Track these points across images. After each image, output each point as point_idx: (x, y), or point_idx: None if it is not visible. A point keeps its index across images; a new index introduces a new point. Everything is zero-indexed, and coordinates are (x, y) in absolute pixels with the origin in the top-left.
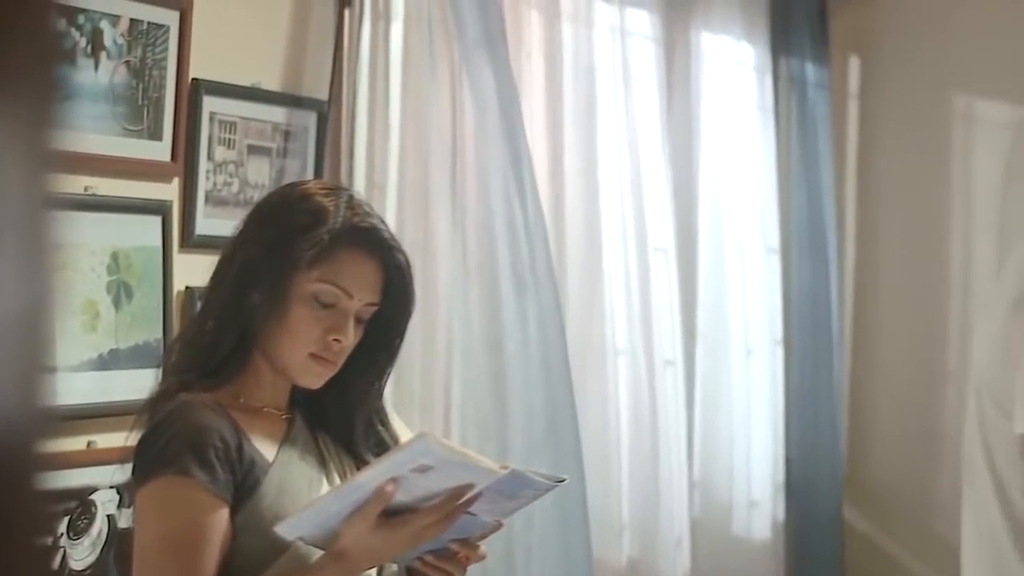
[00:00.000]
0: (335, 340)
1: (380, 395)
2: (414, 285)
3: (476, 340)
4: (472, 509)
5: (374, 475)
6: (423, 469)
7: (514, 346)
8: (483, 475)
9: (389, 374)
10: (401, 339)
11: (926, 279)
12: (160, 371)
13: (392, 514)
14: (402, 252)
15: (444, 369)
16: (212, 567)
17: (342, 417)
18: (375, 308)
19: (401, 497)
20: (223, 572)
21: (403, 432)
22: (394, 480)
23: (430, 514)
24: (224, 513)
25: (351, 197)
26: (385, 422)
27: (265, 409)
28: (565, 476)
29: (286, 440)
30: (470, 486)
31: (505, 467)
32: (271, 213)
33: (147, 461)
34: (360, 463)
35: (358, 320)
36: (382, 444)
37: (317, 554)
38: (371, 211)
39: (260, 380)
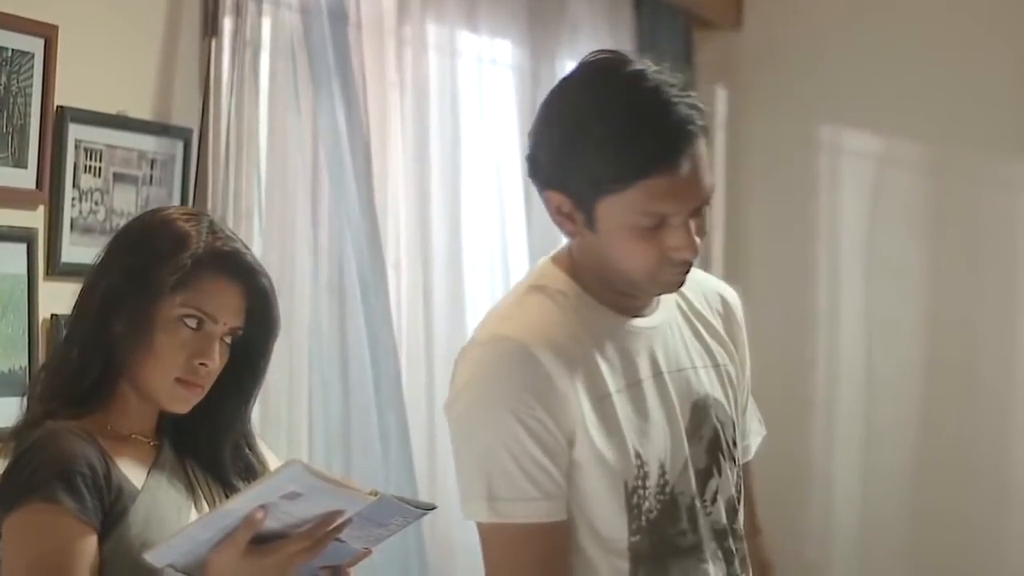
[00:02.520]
0: (201, 364)
1: (247, 419)
2: (278, 308)
3: (328, 364)
4: (342, 536)
5: (243, 502)
6: (292, 496)
7: (359, 370)
8: (352, 501)
9: (256, 397)
10: (266, 362)
11: (793, 307)
12: (24, 400)
13: (262, 541)
14: (266, 276)
15: (307, 391)
16: None
17: (209, 442)
18: (240, 332)
19: (271, 524)
20: None
21: (270, 456)
22: (263, 507)
23: (300, 541)
24: (92, 540)
25: (212, 222)
26: (252, 446)
27: (132, 436)
28: (434, 504)
29: (154, 467)
30: (340, 512)
31: (375, 493)
32: (132, 240)
33: (14, 489)
34: (228, 489)
35: (223, 343)
36: (250, 469)
37: None
38: (233, 236)
39: (127, 407)
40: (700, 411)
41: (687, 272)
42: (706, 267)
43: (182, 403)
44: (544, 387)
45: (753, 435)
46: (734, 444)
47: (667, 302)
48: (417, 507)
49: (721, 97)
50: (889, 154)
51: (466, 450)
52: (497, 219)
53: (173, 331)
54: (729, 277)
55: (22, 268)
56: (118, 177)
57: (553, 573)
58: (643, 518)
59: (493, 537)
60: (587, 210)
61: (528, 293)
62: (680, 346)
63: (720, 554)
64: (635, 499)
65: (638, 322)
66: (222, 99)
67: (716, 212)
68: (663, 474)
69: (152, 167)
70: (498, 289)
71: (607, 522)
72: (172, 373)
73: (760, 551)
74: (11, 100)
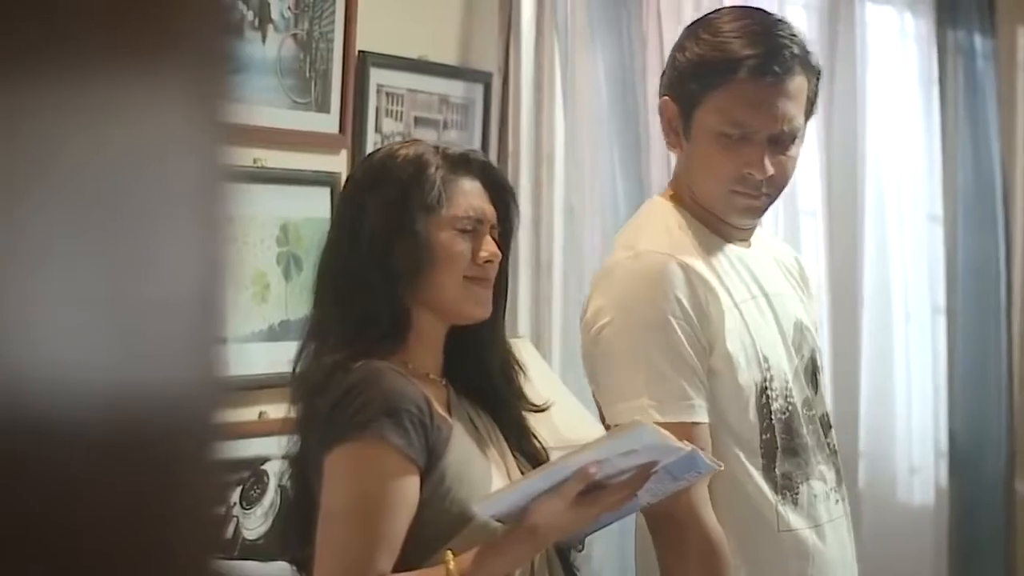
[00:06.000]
0: (487, 262)
1: (503, 315)
2: (517, 199)
3: None
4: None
5: (584, 458)
6: (628, 453)
7: None
8: (669, 452)
9: (507, 290)
10: (507, 257)
11: None
12: (306, 345)
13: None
14: (498, 168)
15: None
16: (400, 535)
17: (477, 356)
18: (497, 229)
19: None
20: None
21: (530, 358)
22: (598, 462)
23: (620, 490)
24: (416, 481)
25: (423, 141)
26: (511, 351)
27: (430, 375)
28: (721, 463)
29: (451, 406)
30: (655, 463)
31: (686, 444)
32: (371, 185)
33: (339, 426)
34: (494, 413)
35: (493, 238)
36: (506, 368)
37: (499, 527)
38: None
39: (424, 342)
40: (799, 332)
41: (760, 200)
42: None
43: (478, 305)
44: (693, 295)
45: None
46: (821, 370)
47: (758, 241)
48: (712, 462)
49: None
50: None
51: (621, 358)
52: None
53: (449, 243)
54: None
55: (325, 212)
56: (419, 121)
57: None
58: (773, 417)
59: None
60: (687, 117)
61: (651, 219)
62: (775, 276)
63: (828, 460)
64: (764, 399)
65: (737, 247)
66: (522, 41)
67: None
68: (786, 381)
69: (453, 111)
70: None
71: (741, 422)
72: (460, 275)
73: None
74: (314, 46)
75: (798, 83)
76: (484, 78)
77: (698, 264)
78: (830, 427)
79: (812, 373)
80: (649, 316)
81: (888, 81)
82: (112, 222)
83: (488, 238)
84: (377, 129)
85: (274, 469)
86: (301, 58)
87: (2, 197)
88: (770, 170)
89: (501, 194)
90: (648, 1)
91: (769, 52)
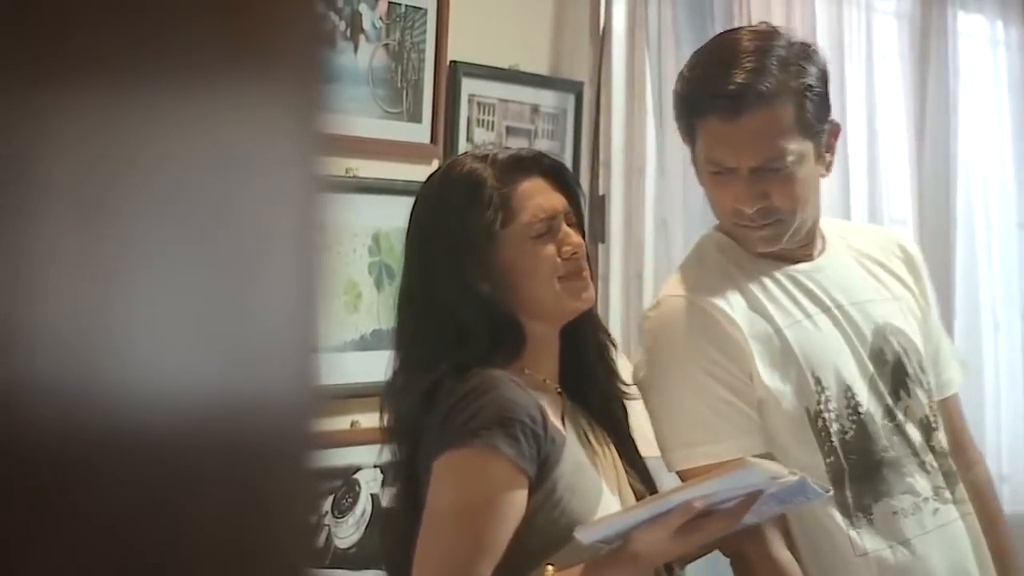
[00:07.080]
0: (573, 255)
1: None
2: (575, 177)
3: None
4: None
5: (689, 494)
6: (736, 488)
7: None
8: (776, 482)
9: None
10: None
11: None
12: (398, 375)
13: None
14: (548, 155)
15: None
16: (503, 545)
17: (577, 345)
18: (572, 215)
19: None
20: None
21: (622, 370)
22: (704, 496)
23: (723, 519)
24: (523, 493)
25: (469, 152)
26: (606, 331)
27: (546, 381)
28: (830, 488)
29: (566, 416)
30: (761, 491)
31: (794, 473)
32: (433, 219)
33: (451, 432)
34: (599, 406)
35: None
36: (606, 357)
37: (601, 547)
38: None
39: (540, 350)
40: (881, 337)
41: (766, 229)
42: None
43: (575, 299)
44: (715, 332)
45: (952, 372)
46: (921, 370)
47: (833, 246)
48: (820, 488)
49: None
50: None
51: (661, 408)
52: (867, 165)
53: (530, 250)
54: None
55: None
56: (511, 131)
57: None
58: (834, 439)
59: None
60: (693, 153)
61: (689, 257)
62: (853, 282)
63: (924, 468)
64: (820, 423)
65: (799, 266)
66: (614, 51)
67: None
68: (852, 396)
69: (544, 121)
70: None
71: (799, 449)
72: (551, 275)
73: (978, 483)
74: (405, 56)
75: (776, 113)
76: (575, 88)
77: (723, 299)
78: (933, 429)
79: (900, 377)
80: (671, 363)
81: (980, 89)
82: (209, 231)
83: (566, 230)
84: (469, 139)
85: (366, 478)
86: (393, 68)
87: (99, 205)
88: (758, 203)
89: (562, 178)
90: (739, 11)
91: (739, 90)
